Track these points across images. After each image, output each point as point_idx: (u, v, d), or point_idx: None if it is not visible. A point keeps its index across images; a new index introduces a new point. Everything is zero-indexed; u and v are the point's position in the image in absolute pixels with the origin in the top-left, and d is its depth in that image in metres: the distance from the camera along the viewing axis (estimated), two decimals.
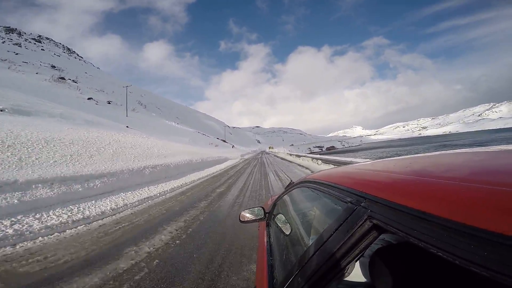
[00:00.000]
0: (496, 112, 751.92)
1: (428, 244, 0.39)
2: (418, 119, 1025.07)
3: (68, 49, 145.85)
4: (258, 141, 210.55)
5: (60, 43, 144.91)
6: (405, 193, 0.51)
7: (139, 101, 72.52)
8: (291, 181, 1.99)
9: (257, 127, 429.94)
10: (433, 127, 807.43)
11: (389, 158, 1.09)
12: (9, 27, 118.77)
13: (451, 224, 0.36)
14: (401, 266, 0.60)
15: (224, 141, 51.93)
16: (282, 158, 26.23)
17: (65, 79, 49.90)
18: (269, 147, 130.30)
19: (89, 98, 39.25)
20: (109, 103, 46.98)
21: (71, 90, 42.28)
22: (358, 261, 0.88)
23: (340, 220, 0.63)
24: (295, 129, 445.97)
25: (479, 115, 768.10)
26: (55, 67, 68.73)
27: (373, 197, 0.57)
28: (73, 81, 53.43)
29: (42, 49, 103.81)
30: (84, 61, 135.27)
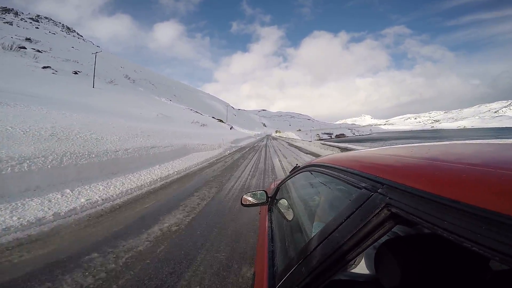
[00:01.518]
0: None
1: (462, 238, 0.34)
2: (430, 112, 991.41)
3: (68, 28, 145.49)
4: (264, 124, 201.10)
5: (60, 23, 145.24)
6: (433, 180, 0.46)
7: (126, 75, 63.76)
8: (297, 165, 1.80)
9: (263, 110, 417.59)
10: (445, 121, 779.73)
11: (402, 145, 1.02)
12: (6, 7, 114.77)
13: (490, 215, 0.32)
14: (410, 260, 0.56)
15: (221, 120, 42.85)
16: (315, 155, 12.74)
17: (25, 48, 42.34)
18: (276, 131, 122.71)
19: (45, 67, 33.11)
20: (76, 73, 39.14)
21: (23, 58, 35.83)
22: (363, 253, 0.85)
23: (352, 208, 0.58)
24: (303, 114, 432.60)
25: (495, 112, 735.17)
26: (30, 39, 61.00)
27: (393, 183, 0.52)
28: (37, 50, 46.70)
29: (37, 28, 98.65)
30: (83, 39, 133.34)
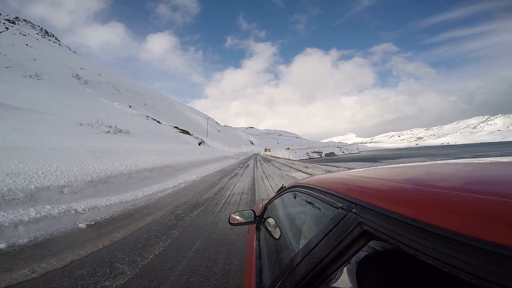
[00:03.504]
0: (491, 125, 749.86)
1: (419, 252, 0.38)
2: (412, 129, 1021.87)
3: (46, 32, 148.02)
4: (251, 142, 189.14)
5: (38, 26, 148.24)
6: (396, 200, 0.50)
7: (77, 75, 50.53)
8: (283, 185, 1.89)
9: (250, 127, 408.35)
10: (428, 138, 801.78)
11: (381, 166, 1.11)
12: None
13: (442, 232, 0.36)
14: (387, 273, 0.59)
15: (186, 132, 29.21)
16: None
17: None
18: (265, 149, 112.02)
19: None
20: None
21: None
22: (345, 268, 0.93)
23: (330, 226, 0.62)
24: (291, 133, 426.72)
25: (473, 127, 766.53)
26: None
27: (364, 203, 0.56)
28: None
29: (6, 28, 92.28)
30: (59, 44, 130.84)
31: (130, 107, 45.41)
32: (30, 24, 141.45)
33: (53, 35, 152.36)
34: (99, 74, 76.33)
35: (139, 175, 6.94)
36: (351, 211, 0.58)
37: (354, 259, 0.77)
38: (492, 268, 0.29)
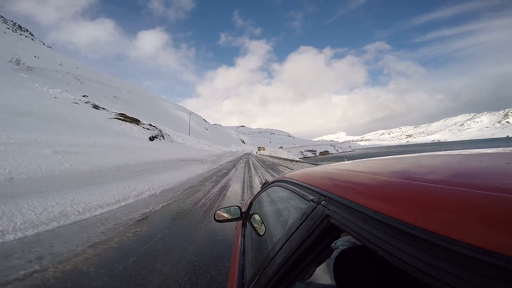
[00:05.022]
0: (478, 122, 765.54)
1: (375, 246, 0.36)
2: (401, 127, 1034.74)
3: (20, 27, 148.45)
4: (243, 141, 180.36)
5: (11, 21, 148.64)
6: (360, 192, 0.49)
7: (19, 61, 40.87)
8: (266, 180, 1.91)
9: (242, 126, 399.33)
10: (417, 135, 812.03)
11: (354, 160, 1.09)
12: None
13: (398, 224, 0.34)
14: (364, 269, 0.58)
15: (134, 121, 19.32)
16: None
17: None
18: (259, 148, 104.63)
19: None
20: None
21: None
22: (325, 264, 0.92)
23: (301, 219, 0.61)
24: (283, 131, 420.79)
25: (461, 125, 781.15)
26: None
27: (332, 195, 0.55)
28: None
29: None
30: (31, 38, 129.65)
31: (84, 96, 35.96)
32: (2, 18, 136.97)
33: (27, 30, 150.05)
34: (60, 64, 66.17)
35: None
36: (320, 204, 0.56)
37: (333, 254, 0.74)
38: (439, 263, 0.27)
